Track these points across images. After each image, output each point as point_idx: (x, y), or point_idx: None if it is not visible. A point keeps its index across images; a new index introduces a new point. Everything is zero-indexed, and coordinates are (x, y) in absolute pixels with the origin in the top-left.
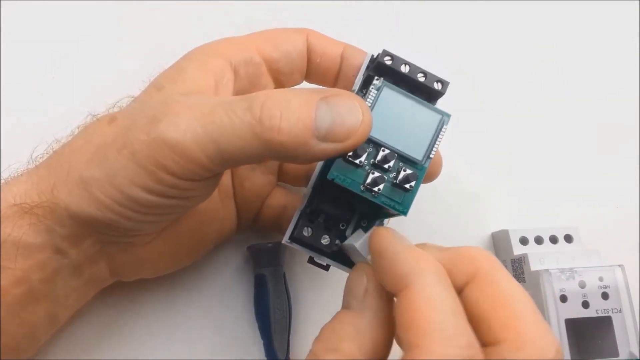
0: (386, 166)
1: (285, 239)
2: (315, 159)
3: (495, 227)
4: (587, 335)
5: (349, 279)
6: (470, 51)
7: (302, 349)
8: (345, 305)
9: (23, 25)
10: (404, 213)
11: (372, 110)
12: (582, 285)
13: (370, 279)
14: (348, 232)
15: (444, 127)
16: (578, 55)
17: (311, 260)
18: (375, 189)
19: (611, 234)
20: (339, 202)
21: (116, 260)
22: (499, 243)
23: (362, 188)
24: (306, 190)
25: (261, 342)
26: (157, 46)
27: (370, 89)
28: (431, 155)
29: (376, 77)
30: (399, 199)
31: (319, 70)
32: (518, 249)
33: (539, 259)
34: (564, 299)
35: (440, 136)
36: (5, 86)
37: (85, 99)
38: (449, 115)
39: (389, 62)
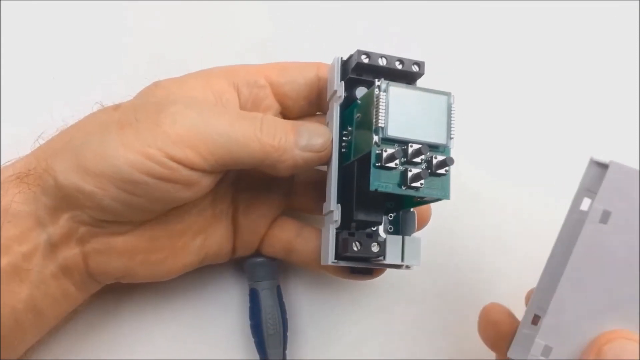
0: (418, 159)
1: (330, 260)
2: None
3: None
4: None
5: None
6: (471, 51)
7: None
8: None
9: (23, 25)
10: (447, 197)
11: (387, 112)
12: None
13: None
14: (380, 230)
15: (452, 105)
16: (579, 55)
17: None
18: (418, 184)
19: None
20: (368, 207)
21: (88, 245)
22: None
23: (404, 188)
24: (333, 207)
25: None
26: (159, 48)
27: (376, 92)
28: (452, 136)
29: (377, 80)
30: (438, 186)
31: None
32: None
33: None
34: None
35: (452, 115)
36: (5, 86)
37: (85, 100)
38: (450, 93)
39: (366, 61)
